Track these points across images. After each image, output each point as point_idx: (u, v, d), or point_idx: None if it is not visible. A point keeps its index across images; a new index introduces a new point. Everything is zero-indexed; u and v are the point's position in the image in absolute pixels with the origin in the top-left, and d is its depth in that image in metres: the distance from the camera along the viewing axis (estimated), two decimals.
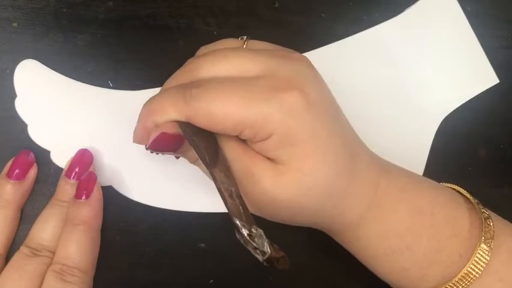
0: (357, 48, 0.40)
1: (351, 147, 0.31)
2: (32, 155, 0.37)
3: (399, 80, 0.40)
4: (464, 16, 0.41)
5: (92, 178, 0.36)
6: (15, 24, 0.38)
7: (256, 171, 0.29)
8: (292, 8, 0.40)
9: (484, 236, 0.31)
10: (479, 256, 0.31)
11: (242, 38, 0.33)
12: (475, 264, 0.31)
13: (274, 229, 0.40)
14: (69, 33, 0.38)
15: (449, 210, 0.33)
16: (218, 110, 0.27)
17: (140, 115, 0.30)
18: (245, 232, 0.25)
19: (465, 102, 0.41)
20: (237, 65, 0.29)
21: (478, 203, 0.33)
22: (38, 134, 0.38)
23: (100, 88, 0.38)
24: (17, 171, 0.36)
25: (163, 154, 0.32)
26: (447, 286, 0.32)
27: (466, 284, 0.31)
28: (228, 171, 0.29)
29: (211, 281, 0.39)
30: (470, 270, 0.31)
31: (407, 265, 0.32)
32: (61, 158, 0.38)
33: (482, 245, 0.31)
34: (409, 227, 0.32)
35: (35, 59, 0.38)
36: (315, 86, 0.29)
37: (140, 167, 0.39)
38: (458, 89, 0.41)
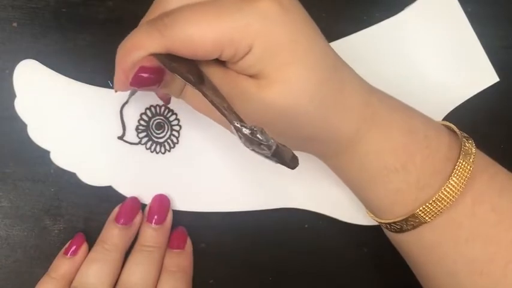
0: (355, 48, 0.40)
1: (332, 57, 0.31)
2: (138, 202, 0.38)
3: (399, 78, 0.40)
4: (464, 15, 0.41)
5: (185, 231, 0.39)
6: (14, 24, 0.38)
7: (242, 90, 0.29)
8: None
9: (470, 160, 0.32)
10: (461, 170, 0.31)
11: None
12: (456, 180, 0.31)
13: (275, 228, 0.40)
14: (69, 33, 0.38)
15: (442, 135, 0.33)
16: (194, 33, 0.27)
17: (117, 58, 0.29)
18: (247, 131, 0.25)
19: (465, 101, 0.41)
20: None
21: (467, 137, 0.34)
22: (38, 134, 0.38)
23: (100, 88, 0.38)
24: (124, 218, 0.37)
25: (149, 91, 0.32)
26: (426, 208, 0.31)
27: (443, 207, 0.31)
28: (215, 90, 0.28)
29: (211, 281, 0.39)
30: (451, 187, 0.31)
31: (402, 186, 0.32)
32: (61, 158, 0.38)
33: (465, 163, 0.31)
34: (403, 145, 0.32)
35: (34, 59, 0.38)
36: None
37: (140, 167, 0.39)
38: (458, 87, 0.41)
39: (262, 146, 0.25)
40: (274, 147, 0.25)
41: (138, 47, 0.28)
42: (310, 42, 0.29)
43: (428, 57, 0.41)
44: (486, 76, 0.41)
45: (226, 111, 0.27)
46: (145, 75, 0.29)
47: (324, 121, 0.30)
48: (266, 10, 0.28)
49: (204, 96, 0.27)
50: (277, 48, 0.28)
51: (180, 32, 0.27)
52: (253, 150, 0.26)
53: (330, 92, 0.30)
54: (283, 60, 0.28)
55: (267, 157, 0.25)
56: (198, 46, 0.27)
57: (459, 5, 0.41)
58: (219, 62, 0.30)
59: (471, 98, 0.41)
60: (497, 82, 0.41)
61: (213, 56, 0.28)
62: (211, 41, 0.27)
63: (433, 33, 0.41)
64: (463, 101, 0.41)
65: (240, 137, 0.26)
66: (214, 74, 0.29)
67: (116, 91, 0.31)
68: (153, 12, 0.30)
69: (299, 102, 0.29)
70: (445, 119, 0.40)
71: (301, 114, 0.29)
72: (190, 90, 0.32)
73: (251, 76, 0.29)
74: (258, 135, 0.25)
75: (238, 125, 0.26)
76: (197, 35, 0.27)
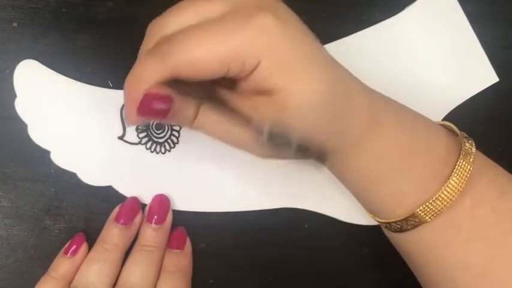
0: (355, 48, 0.40)
1: (334, 64, 0.31)
2: (138, 202, 0.38)
3: (398, 78, 0.41)
4: (464, 15, 0.41)
5: (184, 231, 0.39)
6: (14, 24, 0.38)
7: (256, 106, 0.29)
8: (292, 7, 0.40)
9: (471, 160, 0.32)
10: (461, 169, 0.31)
11: None
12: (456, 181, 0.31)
13: (275, 228, 0.40)
14: (69, 33, 0.38)
15: (442, 136, 0.33)
16: (198, 54, 0.27)
17: (124, 94, 0.29)
18: (267, 128, 0.26)
19: (464, 102, 0.41)
20: (200, 11, 0.29)
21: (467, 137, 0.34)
22: (38, 134, 0.38)
23: (100, 88, 0.38)
24: (124, 218, 0.37)
25: (160, 122, 0.32)
26: (426, 207, 0.32)
27: (443, 206, 0.31)
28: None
29: (211, 281, 0.39)
30: (451, 186, 0.31)
31: (403, 187, 0.32)
32: (61, 158, 0.38)
33: (465, 163, 0.31)
34: (404, 146, 0.32)
35: (34, 59, 0.38)
36: (284, 9, 0.29)
37: (140, 167, 0.39)
38: (458, 87, 0.41)
39: (282, 140, 0.25)
40: (295, 137, 0.25)
41: (142, 80, 0.28)
42: (313, 52, 0.29)
43: (428, 57, 0.41)
44: (486, 76, 0.41)
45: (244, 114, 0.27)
46: (151, 103, 0.28)
47: (331, 128, 0.30)
48: (268, 25, 0.28)
49: (225, 105, 0.27)
50: (282, 60, 0.28)
51: (184, 55, 0.27)
52: (276, 146, 0.25)
53: (338, 98, 0.30)
54: (290, 71, 0.28)
55: (291, 152, 0.25)
56: (204, 66, 0.27)
57: (459, 5, 0.41)
58: (230, 85, 0.30)
59: (471, 98, 0.41)
60: (497, 82, 0.41)
61: (220, 73, 0.28)
62: (216, 59, 0.27)
63: (433, 33, 0.41)
64: (463, 101, 0.41)
65: (262, 134, 0.26)
66: (225, 96, 0.30)
67: (128, 125, 0.31)
68: (149, 40, 0.30)
69: (313, 112, 0.29)
70: (445, 119, 0.40)
71: (313, 123, 0.29)
72: (202, 117, 0.32)
73: (262, 94, 0.29)
74: (276, 130, 0.25)
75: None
76: (201, 55, 0.27)
